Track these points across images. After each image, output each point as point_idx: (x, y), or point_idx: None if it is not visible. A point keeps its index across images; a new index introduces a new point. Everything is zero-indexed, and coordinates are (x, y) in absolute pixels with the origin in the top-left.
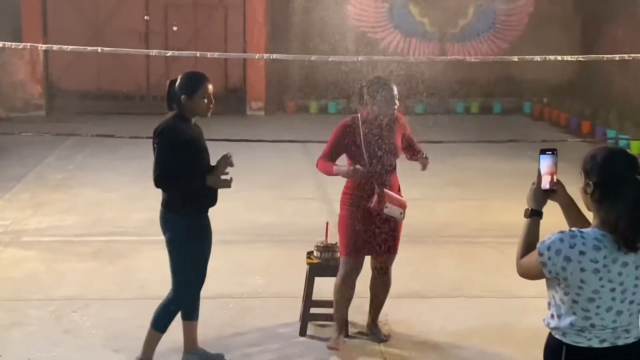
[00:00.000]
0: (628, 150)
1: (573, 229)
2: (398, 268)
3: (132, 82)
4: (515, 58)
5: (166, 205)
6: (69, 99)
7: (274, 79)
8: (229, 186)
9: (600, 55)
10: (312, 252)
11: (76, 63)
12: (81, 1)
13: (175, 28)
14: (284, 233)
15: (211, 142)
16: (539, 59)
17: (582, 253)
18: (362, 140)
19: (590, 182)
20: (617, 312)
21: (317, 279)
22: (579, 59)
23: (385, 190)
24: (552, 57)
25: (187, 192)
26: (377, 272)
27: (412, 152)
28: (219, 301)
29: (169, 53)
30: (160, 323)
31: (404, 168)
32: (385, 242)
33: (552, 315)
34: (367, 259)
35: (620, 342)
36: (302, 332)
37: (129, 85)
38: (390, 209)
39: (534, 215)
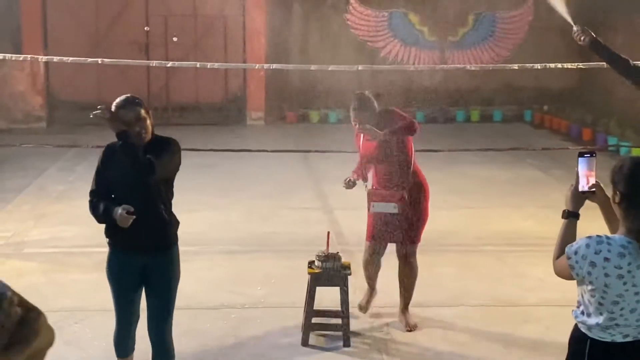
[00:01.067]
0: None
1: (601, 234)
2: (395, 277)
3: (133, 93)
4: (516, 66)
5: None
6: (69, 111)
7: (274, 89)
8: (126, 225)
9: (601, 63)
10: (314, 261)
11: (77, 74)
12: (82, 13)
13: (175, 39)
14: (285, 243)
15: (212, 153)
16: (539, 67)
17: (606, 259)
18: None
19: (618, 192)
20: None
21: (319, 289)
22: (579, 66)
23: (371, 190)
24: (552, 65)
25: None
26: (400, 260)
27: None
28: (221, 311)
29: (170, 64)
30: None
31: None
32: (402, 232)
33: (582, 312)
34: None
35: (632, 339)
36: (304, 342)
37: None
38: (378, 206)
39: (571, 216)
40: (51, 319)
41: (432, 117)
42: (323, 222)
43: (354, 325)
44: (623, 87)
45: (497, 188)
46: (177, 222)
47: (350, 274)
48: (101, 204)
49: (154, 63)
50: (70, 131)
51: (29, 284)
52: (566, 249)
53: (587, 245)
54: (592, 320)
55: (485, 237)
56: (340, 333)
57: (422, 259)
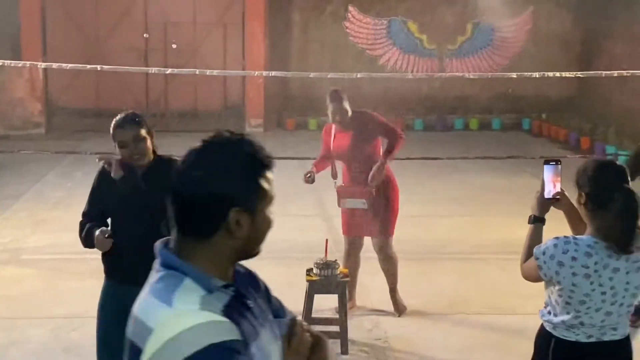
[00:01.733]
0: (616, 162)
1: (568, 235)
2: (398, 285)
3: (132, 99)
4: (514, 74)
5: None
6: (68, 117)
7: (273, 96)
8: (105, 249)
9: (599, 72)
10: (312, 269)
11: (75, 81)
12: (80, 19)
13: (174, 46)
14: (284, 250)
15: None
16: (537, 76)
17: (574, 259)
18: (331, 144)
19: (583, 193)
20: (606, 313)
21: (317, 296)
22: (577, 75)
23: (341, 187)
24: (550, 74)
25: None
26: (378, 254)
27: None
28: None
29: (169, 71)
30: None
31: (403, 185)
32: (375, 226)
33: (549, 312)
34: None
35: (605, 338)
36: None
37: (128, 103)
38: (349, 202)
39: (537, 221)
40: (49, 326)
41: (431, 125)
42: (321, 230)
43: (352, 332)
44: (621, 96)
45: (496, 196)
46: None
47: (348, 282)
48: (87, 225)
49: (152, 70)
50: (69, 137)
51: (26, 291)
52: (534, 250)
53: (555, 246)
54: (558, 319)
55: (485, 245)
56: (338, 340)
57: (421, 266)
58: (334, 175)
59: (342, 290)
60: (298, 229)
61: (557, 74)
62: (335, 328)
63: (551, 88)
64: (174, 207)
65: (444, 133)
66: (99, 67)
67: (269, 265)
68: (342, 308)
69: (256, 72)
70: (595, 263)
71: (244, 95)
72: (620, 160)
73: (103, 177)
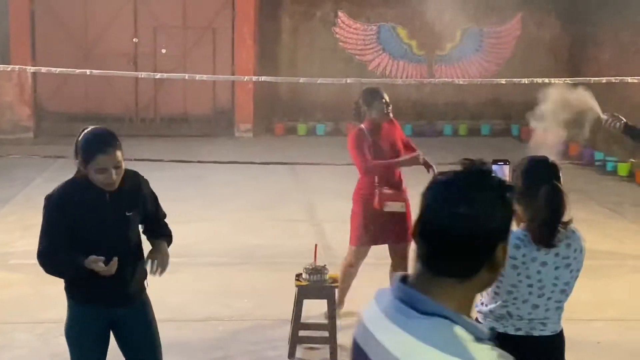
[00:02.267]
0: (549, 159)
1: None
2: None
3: (121, 104)
4: (503, 80)
5: (65, 289)
6: (57, 121)
7: (263, 101)
8: (110, 272)
9: (587, 78)
10: (301, 274)
11: (65, 85)
12: (70, 24)
13: (164, 50)
14: (273, 255)
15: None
16: (526, 82)
17: None
18: (370, 147)
19: (520, 188)
20: (533, 306)
21: (306, 301)
22: (566, 81)
23: (383, 191)
24: (539, 80)
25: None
26: (397, 259)
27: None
28: (207, 324)
29: (158, 75)
30: None
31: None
32: (397, 232)
33: (481, 302)
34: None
35: (535, 333)
36: (291, 355)
37: (117, 107)
38: (390, 206)
39: None
40: (37, 331)
41: (420, 130)
42: (311, 235)
43: (341, 338)
44: (609, 103)
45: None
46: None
47: (337, 287)
48: (62, 258)
49: (142, 75)
50: (58, 142)
51: (15, 296)
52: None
53: None
54: (487, 308)
55: None
56: (327, 346)
57: None
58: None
59: (331, 295)
60: (287, 234)
61: (546, 80)
62: (324, 333)
63: (540, 94)
64: (429, 248)
65: (433, 138)
66: (88, 71)
67: (258, 270)
68: (331, 313)
69: (246, 77)
70: (524, 255)
71: (234, 100)
72: (608, 166)
73: (62, 208)
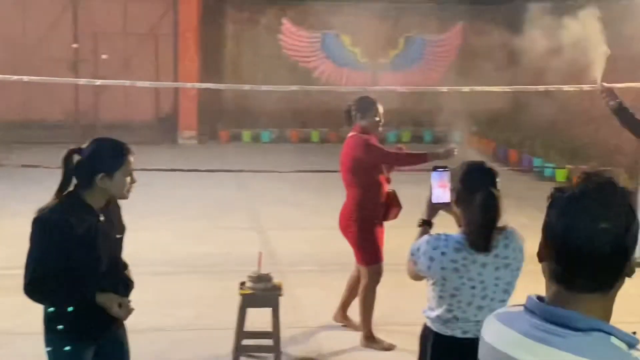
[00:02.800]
0: (486, 164)
1: (440, 232)
2: (331, 298)
3: (61, 111)
4: (445, 88)
5: (48, 322)
6: None
7: (207, 108)
8: (124, 317)
9: (526, 86)
10: (245, 282)
11: (2, 92)
12: (7, 29)
13: (104, 57)
14: (217, 263)
15: (142, 172)
16: (467, 90)
17: (443, 254)
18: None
19: (455, 193)
20: (477, 307)
21: (250, 310)
22: (505, 89)
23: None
24: (479, 88)
25: (74, 307)
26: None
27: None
28: (150, 334)
29: (99, 82)
30: None
31: (333, 197)
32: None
33: (429, 308)
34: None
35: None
36: None
37: (57, 114)
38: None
39: (425, 224)
40: None
41: None
42: (255, 243)
43: (285, 346)
44: (548, 110)
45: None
46: None
47: (281, 295)
48: (62, 286)
49: (82, 81)
50: None
51: None
52: (411, 247)
53: (427, 242)
54: (434, 313)
55: None
56: (272, 355)
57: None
58: (388, 181)
59: (276, 303)
60: (232, 242)
61: (486, 88)
62: (268, 342)
63: (480, 102)
64: (568, 266)
65: None
66: (25, 78)
67: (202, 279)
68: (275, 321)
69: (189, 84)
70: (464, 258)
71: (177, 107)
72: (547, 172)
73: (61, 228)
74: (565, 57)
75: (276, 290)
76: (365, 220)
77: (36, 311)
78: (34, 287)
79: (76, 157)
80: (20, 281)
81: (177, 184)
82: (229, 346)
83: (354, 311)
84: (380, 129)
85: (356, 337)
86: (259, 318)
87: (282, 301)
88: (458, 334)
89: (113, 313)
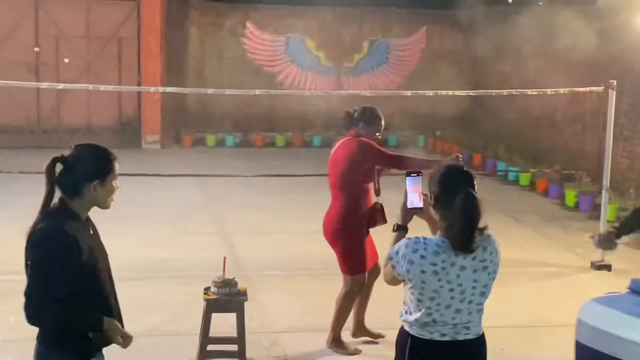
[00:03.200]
0: (463, 167)
1: (419, 236)
2: (296, 302)
3: (22, 115)
4: (409, 93)
5: (46, 342)
6: None
7: (170, 112)
8: (125, 346)
9: (490, 90)
10: (210, 287)
11: None
12: None
13: (66, 60)
14: (181, 269)
15: None
16: (431, 94)
17: (422, 257)
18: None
19: (432, 196)
20: (456, 310)
21: (215, 315)
22: (469, 94)
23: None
24: (443, 92)
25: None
26: (374, 275)
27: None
28: None
29: (61, 86)
30: None
31: (304, 202)
32: (373, 247)
33: (406, 311)
34: None
35: (460, 337)
36: None
37: (18, 118)
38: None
39: (400, 229)
40: None
41: (329, 141)
42: (220, 248)
43: (250, 351)
44: (511, 114)
45: (394, 211)
46: None
47: (246, 300)
48: (74, 310)
49: (44, 85)
50: None
51: None
52: (389, 251)
53: (406, 245)
54: (412, 317)
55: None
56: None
57: (321, 283)
58: (378, 192)
59: (240, 308)
60: (196, 247)
61: (450, 93)
62: (233, 347)
63: (445, 106)
64: None
65: None
66: None
67: (166, 284)
68: (240, 326)
69: (152, 88)
70: (443, 261)
71: (140, 111)
72: (510, 176)
73: (73, 245)
74: (528, 62)
75: (241, 295)
76: (354, 228)
77: (0, 317)
78: (39, 315)
79: (59, 167)
80: (4, 287)
81: (141, 189)
82: (193, 352)
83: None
84: (379, 138)
85: (322, 341)
86: (223, 323)
87: (247, 306)
88: (436, 337)
89: (114, 341)
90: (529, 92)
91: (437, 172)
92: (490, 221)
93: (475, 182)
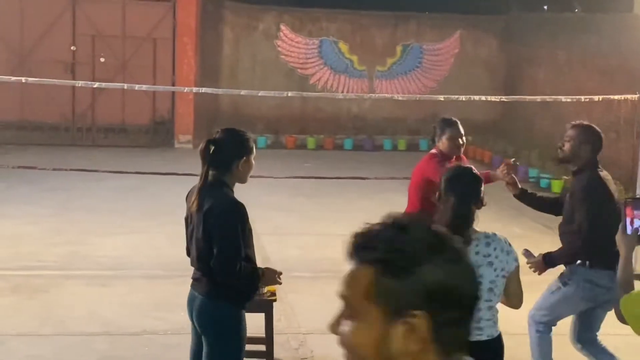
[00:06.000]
0: (472, 172)
1: None
2: (324, 304)
3: (58, 113)
4: (441, 97)
5: (220, 296)
6: None
7: (203, 112)
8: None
9: (523, 96)
10: None
11: (0, 93)
12: (6, 30)
13: (102, 59)
14: None
15: (138, 175)
16: (464, 99)
17: None
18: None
19: (439, 191)
20: None
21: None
22: (502, 99)
23: None
24: (476, 97)
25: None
26: None
27: None
28: (142, 337)
29: (96, 84)
30: None
31: (333, 204)
32: None
33: None
34: None
35: (473, 338)
36: None
37: (54, 116)
38: None
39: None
40: None
41: (360, 144)
42: None
43: (278, 352)
44: (544, 121)
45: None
46: None
47: (275, 300)
48: (250, 266)
49: (79, 83)
50: None
51: None
52: None
53: None
54: None
55: None
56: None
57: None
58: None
59: (269, 308)
60: None
61: (483, 98)
62: (261, 347)
63: (477, 111)
64: None
65: (373, 153)
66: (23, 79)
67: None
68: (269, 327)
69: (186, 88)
70: None
71: (174, 111)
72: (542, 183)
73: (246, 214)
74: (562, 68)
75: (270, 296)
76: None
77: (28, 312)
78: (238, 272)
79: (211, 147)
80: (12, 282)
81: (172, 188)
82: None
83: None
84: (459, 150)
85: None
86: (252, 323)
87: (275, 307)
88: None
89: (273, 284)
90: (563, 98)
91: (447, 173)
92: (521, 228)
93: (478, 186)
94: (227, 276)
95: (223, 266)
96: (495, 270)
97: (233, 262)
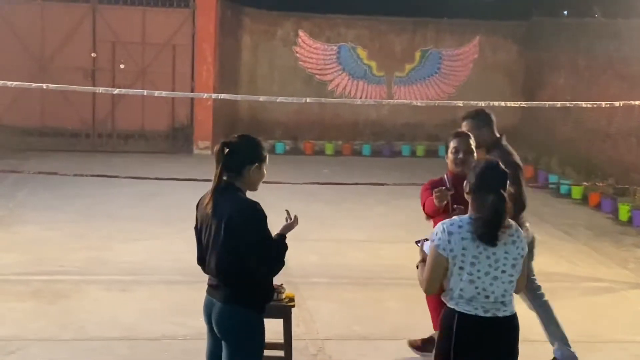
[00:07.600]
0: (500, 166)
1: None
2: (342, 310)
3: (78, 119)
4: (460, 103)
5: (240, 302)
6: (12, 136)
7: (222, 118)
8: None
9: (543, 102)
10: None
11: (20, 99)
12: (26, 37)
13: (122, 66)
14: None
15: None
16: (483, 104)
17: (460, 226)
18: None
19: (469, 184)
20: (493, 277)
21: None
22: (522, 105)
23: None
24: (495, 103)
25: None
26: None
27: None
28: (162, 342)
29: (116, 91)
30: None
31: (351, 211)
32: None
33: (450, 289)
34: None
35: (500, 314)
36: None
37: (74, 122)
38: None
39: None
40: None
41: (378, 150)
42: None
43: (296, 357)
44: (564, 127)
45: None
46: None
47: (294, 306)
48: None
49: (100, 90)
50: (12, 156)
51: None
52: (430, 238)
53: (443, 223)
54: (456, 291)
55: None
56: None
57: (366, 292)
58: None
59: (288, 314)
60: None
61: (502, 103)
62: (280, 353)
63: (496, 117)
64: None
65: (391, 159)
66: (44, 85)
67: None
68: (287, 332)
69: (205, 94)
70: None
71: (193, 117)
72: (562, 189)
73: (262, 208)
74: (583, 74)
75: (288, 302)
76: None
77: (49, 317)
78: (280, 265)
79: (225, 149)
80: (33, 287)
81: (191, 194)
82: None
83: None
84: (459, 165)
85: (368, 350)
86: (270, 329)
87: (294, 312)
88: (480, 312)
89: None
90: (583, 104)
91: (477, 167)
92: (541, 234)
93: (508, 182)
94: (278, 271)
95: (270, 267)
96: (517, 248)
97: (275, 259)
